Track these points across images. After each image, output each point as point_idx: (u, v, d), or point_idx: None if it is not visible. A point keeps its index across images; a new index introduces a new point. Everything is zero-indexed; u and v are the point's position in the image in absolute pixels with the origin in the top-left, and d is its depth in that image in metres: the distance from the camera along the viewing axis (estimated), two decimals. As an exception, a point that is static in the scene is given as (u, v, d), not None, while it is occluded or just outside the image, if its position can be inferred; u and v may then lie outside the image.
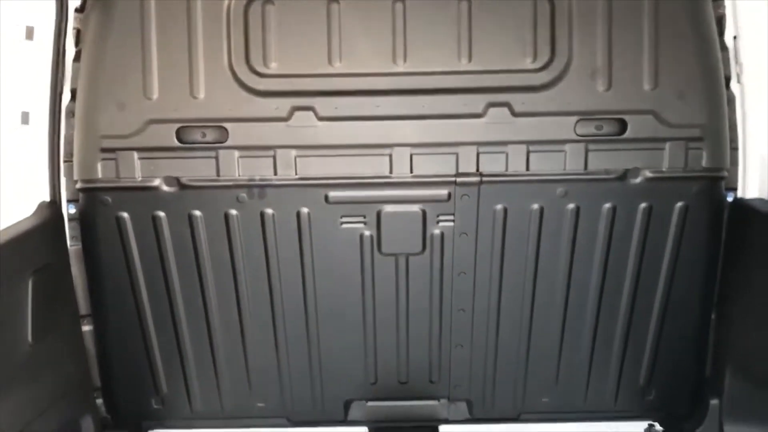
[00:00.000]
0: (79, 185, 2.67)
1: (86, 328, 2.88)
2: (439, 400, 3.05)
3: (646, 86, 2.62)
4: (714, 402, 2.92)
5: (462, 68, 2.61)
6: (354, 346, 2.92)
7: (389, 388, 3.01)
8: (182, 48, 2.58)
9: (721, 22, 2.66)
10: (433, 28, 2.59)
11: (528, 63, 2.62)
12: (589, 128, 2.63)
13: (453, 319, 2.86)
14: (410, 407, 3.06)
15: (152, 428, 3.03)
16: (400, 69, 2.61)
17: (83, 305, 2.85)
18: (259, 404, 3.00)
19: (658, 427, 2.99)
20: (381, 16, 2.60)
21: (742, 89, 2.69)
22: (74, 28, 2.63)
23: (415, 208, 2.70)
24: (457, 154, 2.63)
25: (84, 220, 2.72)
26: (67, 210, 2.75)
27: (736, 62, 2.68)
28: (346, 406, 3.04)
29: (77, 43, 2.65)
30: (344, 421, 3.05)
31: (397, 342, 2.92)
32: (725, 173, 2.69)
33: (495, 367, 2.96)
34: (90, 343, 2.90)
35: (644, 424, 3.02)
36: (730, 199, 2.78)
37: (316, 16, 2.59)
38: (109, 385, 2.97)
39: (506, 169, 2.64)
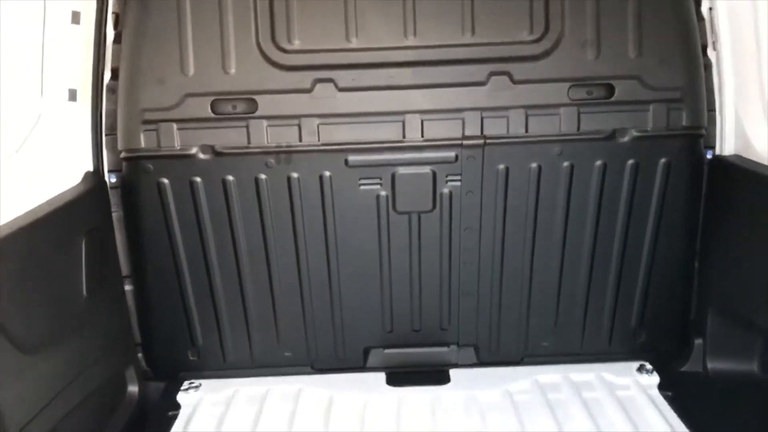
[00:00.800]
0: (123, 155, 2.94)
1: (127, 287, 3.18)
2: (449, 347, 3.34)
3: (631, 54, 2.91)
4: (698, 341, 3.23)
5: (466, 41, 2.89)
6: (372, 298, 3.21)
7: (404, 336, 3.31)
8: (214, 28, 2.86)
9: None
10: (440, 5, 2.87)
11: (525, 36, 2.91)
12: (580, 93, 2.92)
13: (461, 270, 3.16)
14: (423, 353, 3.35)
15: (188, 378, 3.30)
16: (411, 43, 2.89)
17: (124, 266, 3.15)
18: (286, 353, 3.29)
19: (648, 366, 3.28)
20: (392, 12, 2.88)
21: (718, 56, 2.99)
22: (113, 13, 2.90)
23: (426, 169, 2.99)
24: (463, 119, 2.92)
25: (126, 186, 3.00)
26: (109, 179, 3.04)
27: (712, 31, 2.97)
28: (365, 353, 3.33)
29: (116, 26, 2.92)
30: (363, 368, 3.33)
31: (411, 293, 3.21)
32: (703, 132, 2.99)
33: (499, 314, 3.26)
34: (131, 302, 3.20)
35: (636, 364, 3.32)
36: (709, 156, 3.09)
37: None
38: (149, 339, 3.26)
39: (507, 132, 2.94)
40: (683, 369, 3.25)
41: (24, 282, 2.37)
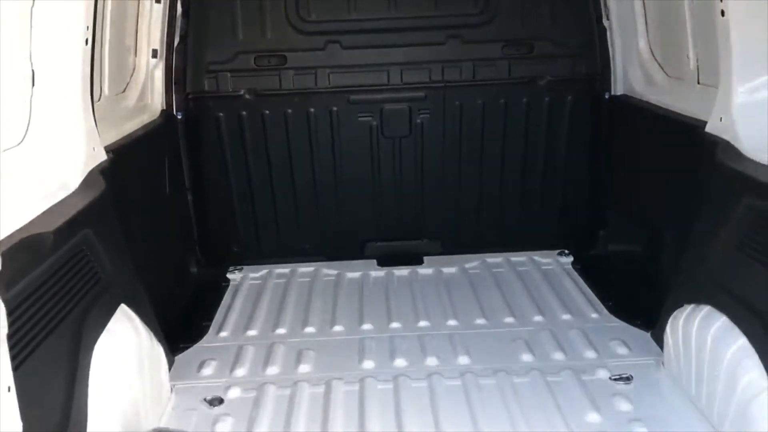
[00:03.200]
0: (191, 95, 4.13)
1: (189, 197, 4.37)
2: (422, 240, 4.57)
3: (546, 23, 4.14)
4: (602, 233, 4.47)
5: (431, 14, 4.11)
6: (367, 202, 4.40)
7: (390, 231, 4.53)
8: (256, 6, 4.07)
9: None
10: None
11: (472, 10, 4.13)
12: (511, 50, 4.15)
13: (431, 180, 4.38)
14: (404, 245, 4.53)
15: (233, 265, 4.49)
16: (393, 15, 4.10)
17: (187, 180, 4.33)
18: (306, 245, 4.50)
19: (566, 251, 4.49)
20: None
21: (610, 24, 4.20)
22: (182, -6, 4.08)
23: (404, 105, 4.21)
24: (429, 69, 4.14)
25: (191, 120, 4.18)
26: (177, 115, 4.22)
27: (605, 6, 4.19)
28: (362, 245, 4.53)
29: (184, 4, 4.09)
30: (361, 257, 4.53)
31: (394, 198, 4.41)
32: (598, 77, 4.20)
33: (458, 214, 4.48)
34: (191, 208, 4.39)
35: (557, 251, 4.48)
36: (607, 96, 4.31)
37: None
38: (204, 237, 4.44)
39: (461, 78, 4.16)
40: (591, 252, 4.47)
41: (134, 181, 3.44)
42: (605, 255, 4.40)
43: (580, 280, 4.17)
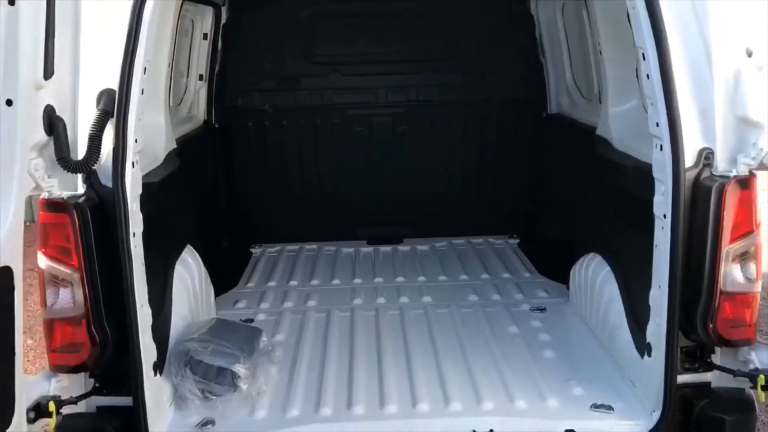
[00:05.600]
0: (226, 110, 5.43)
1: (222, 188, 5.64)
2: (402, 225, 5.83)
3: (496, 58, 5.46)
4: (540, 220, 5.73)
5: (409, 50, 5.42)
6: (359, 195, 5.66)
7: (377, 218, 5.80)
8: (280, 44, 5.40)
9: (531, 23, 5.46)
10: (396, 38, 5.41)
11: (439, 47, 5.43)
12: (468, 79, 5.46)
13: (409, 178, 5.67)
14: (388, 229, 5.75)
15: (254, 243, 5.74)
16: (381, 51, 5.40)
17: (221, 176, 5.60)
18: (311, 229, 5.73)
19: (514, 235, 5.76)
20: (369, 30, 5.40)
21: (545, 60, 5.53)
22: (221, 35, 5.41)
23: (388, 119, 5.53)
24: (408, 91, 5.47)
25: (226, 128, 5.48)
26: (216, 125, 5.50)
27: (541, 46, 5.53)
28: (355, 229, 5.76)
29: (224, 39, 5.41)
30: (354, 238, 5.76)
31: (381, 192, 5.69)
32: (537, 100, 5.46)
33: (430, 205, 5.74)
34: (223, 197, 5.66)
35: (507, 235, 5.77)
36: (545, 114, 5.62)
37: (341, 27, 5.41)
38: (233, 220, 5.69)
39: (430, 99, 5.48)
40: (532, 235, 5.72)
41: (188, 168, 4.68)
42: (543, 237, 5.63)
43: (522, 255, 5.43)
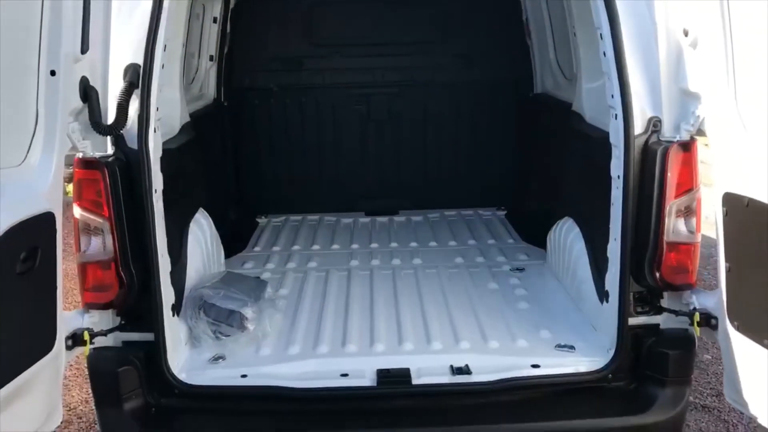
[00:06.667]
0: (234, 89, 5.86)
1: (230, 162, 6.08)
2: (398, 198, 6.26)
3: (484, 42, 5.87)
4: (526, 194, 6.14)
5: (404, 34, 5.85)
6: (358, 169, 6.10)
7: (374, 191, 6.23)
8: (284, 27, 5.83)
9: (519, 7, 5.85)
10: (391, 23, 5.83)
11: (432, 31, 5.86)
12: (458, 61, 5.88)
13: (404, 153, 6.10)
14: (385, 202, 6.20)
15: (259, 213, 6.18)
16: (378, 34, 5.82)
17: (229, 150, 6.04)
18: (313, 201, 6.17)
19: (502, 207, 6.19)
20: (368, 14, 5.82)
21: (531, 43, 5.93)
22: (230, 18, 5.83)
23: (385, 97, 5.95)
24: (403, 72, 5.90)
25: (234, 105, 5.91)
26: (224, 103, 5.94)
27: (527, 29, 5.93)
28: (354, 201, 6.18)
29: (232, 21, 5.82)
30: (353, 210, 6.19)
31: (378, 166, 6.13)
32: (523, 81, 5.88)
33: (424, 179, 6.18)
34: (231, 170, 6.10)
35: (495, 208, 6.20)
36: (531, 95, 6.02)
37: (342, 11, 5.82)
38: (240, 192, 6.14)
39: (424, 79, 5.91)
40: (519, 208, 6.12)
41: (200, 141, 5.12)
42: (527, 208, 6.01)
43: (508, 225, 5.85)
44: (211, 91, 5.66)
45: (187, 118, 4.49)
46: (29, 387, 2.85)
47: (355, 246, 5.39)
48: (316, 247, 5.40)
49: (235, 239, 5.40)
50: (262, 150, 6.03)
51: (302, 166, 6.09)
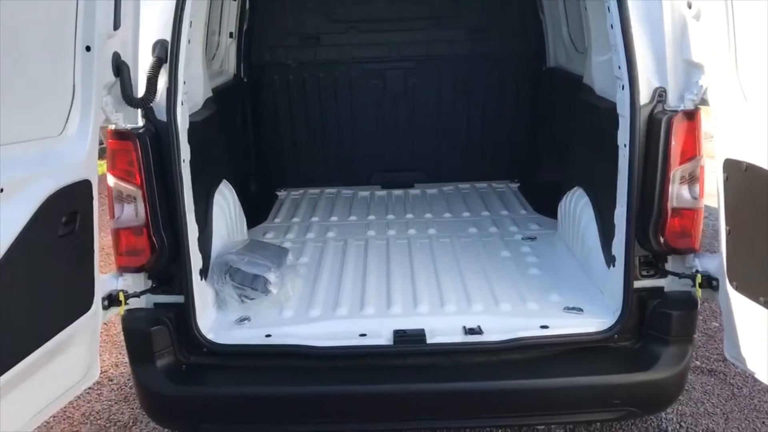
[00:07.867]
0: (254, 65, 6.02)
1: (250, 137, 6.26)
2: (413, 171, 6.44)
3: (497, 16, 5.98)
4: (539, 166, 6.28)
5: (418, 8, 5.96)
6: (374, 143, 6.26)
7: (390, 165, 6.39)
8: (300, 4, 5.97)
9: None
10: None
11: (445, 6, 5.96)
12: (472, 35, 5.98)
13: (420, 127, 6.25)
14: (401, 175, 6.37)
15: (279, 187, 6.37)
16: (393, 9, 5.94)
17: (250, 125, 6.22)
18: (331, 174, 6.34)
19: (515, 180, 6.33)
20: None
21: (544, 18, 6.03)
22: (248, -2, 5.97)
23: (401, 72, 6.09)
24: (418, 47, 6.02)
25: (255, 81, 6.08)
26: (244, 78, 6.10)
27: (540, 4, 6.02)
28: (370, 174, 6.39)
29: (251, 2, 5.98)
30: (369, 183, 6.39)
31: (394, 140, 6.28)
32: (536, 55, 6.01)
33: (439, 153, 6.34)
34: (251, 145, 6.27)
35: (508, 180, 6.36)
36: (544, 68, 6.14)
37: None
38: (260, 166, 6.32)
39: (438, 53, 6.03)
40: (532, 180, 6.28)
41: (221, 115, 5.29)
42: (539, 180, 6.15)
43: (521, 197, 6.00)
44: (231, 67, 5.81)
45: (210, 93, 4.66)
46: (70, 343, 3.07)
47: (371, 217, 5.56)
48: (334, 218, 5.58)
49: (256, 211, 5.58)
50: (281, 125, 6.20)
51: (320, 140, 6.26)
